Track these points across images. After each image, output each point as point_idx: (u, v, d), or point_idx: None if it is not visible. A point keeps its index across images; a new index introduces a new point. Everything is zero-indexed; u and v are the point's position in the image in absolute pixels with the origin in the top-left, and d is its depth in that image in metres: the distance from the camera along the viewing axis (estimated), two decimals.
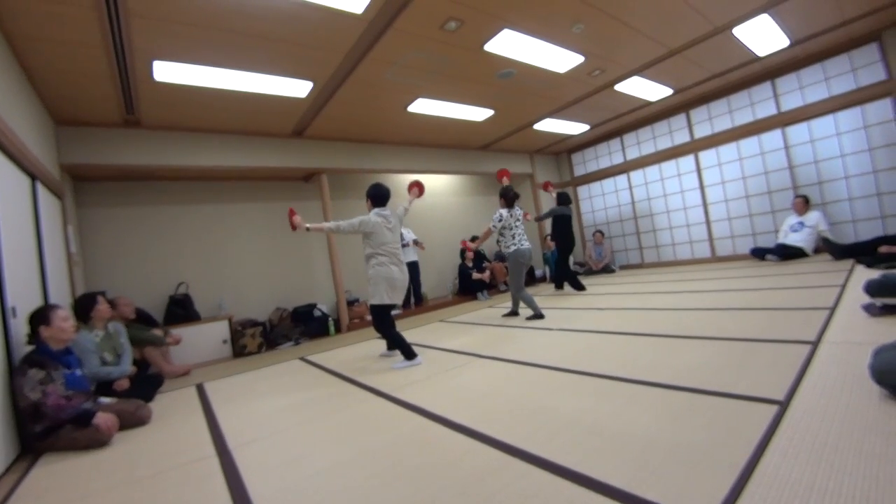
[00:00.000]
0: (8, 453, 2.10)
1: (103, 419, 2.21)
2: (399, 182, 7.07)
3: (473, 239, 7.25)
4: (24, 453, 2.24)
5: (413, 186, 3.66)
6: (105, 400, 2.57)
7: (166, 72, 3.39)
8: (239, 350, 4.65)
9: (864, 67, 5.03)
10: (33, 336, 2.33)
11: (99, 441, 2.19)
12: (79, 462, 2.05)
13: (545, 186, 6.05)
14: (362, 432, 1.91)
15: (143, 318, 4.10)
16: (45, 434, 2.16)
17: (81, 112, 3.83)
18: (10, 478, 1.96)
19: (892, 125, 4.89)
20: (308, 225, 3.09)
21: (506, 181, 4.75)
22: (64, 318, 2.41)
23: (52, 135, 3.77)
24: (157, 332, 3.95)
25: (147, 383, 3.20)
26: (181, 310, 4.61)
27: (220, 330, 4.68)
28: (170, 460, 1.91)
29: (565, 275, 5.79)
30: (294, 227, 3.09)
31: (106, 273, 4.49)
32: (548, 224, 7.28)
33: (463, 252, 6.86)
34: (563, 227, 5.77)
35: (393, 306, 3.23)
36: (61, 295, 3.24)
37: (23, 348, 2.35)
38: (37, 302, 2.71)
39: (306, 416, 2.24)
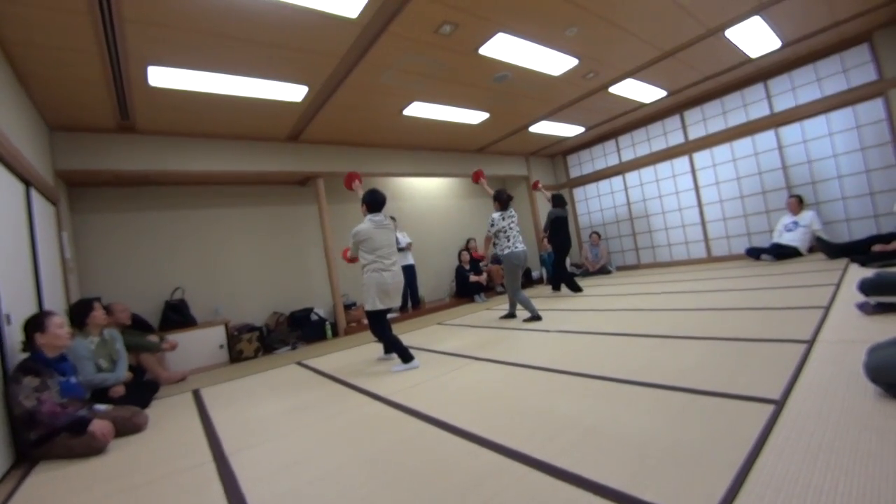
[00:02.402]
0: (3, 462, 2.08)
1: (99, 426, 2.20)
2: (395, 186, 7.10)
3: (469, 242, 7.29)
4: (19, 462, 2.22)
5: (353, 178, 3.69)
6: (101, 407, 2.55)
7: (161, 77, 3.39)
8: (235, 355, 4.64)
9: (856, 68, 5.08)
10: (28, 343, 2.31)
11: (95, 448, 2.17)
12: (75, 470, 2.03)
13: (534, 186, 6.17)
14: (360, 437, 1.91)
15: (138, 324, 4.08)
16: (40, 442, 2.15)
17: (76, 118, 3.82)
18: (5, 487, 1.95)
19: (883, 125, 4.93)
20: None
21: (483, 181, 5.03)
22: (59, 325, 2.39)
23: (46, 141, 3.76)
24: (153, 337, 3.93)
25: (143, 389, 3.18)
26: (177, 315, 4.58)
27: (217, 335, 4.65)
28: (166, 467, 1.90)
29: (562, 276, 5.80)
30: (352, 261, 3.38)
31: (101, 279, 4.47)
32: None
33: (461, 252, 6.87)
34: (559, 228, 5.78)
35: (387, 311, 3.25)
36: (56, 301, 3.22)
37: (17, 356, 2.33)
38: (31, 309, 2.69)
39: (304, 421, 2.24)
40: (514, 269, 4.28)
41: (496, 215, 4.34)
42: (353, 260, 3.31)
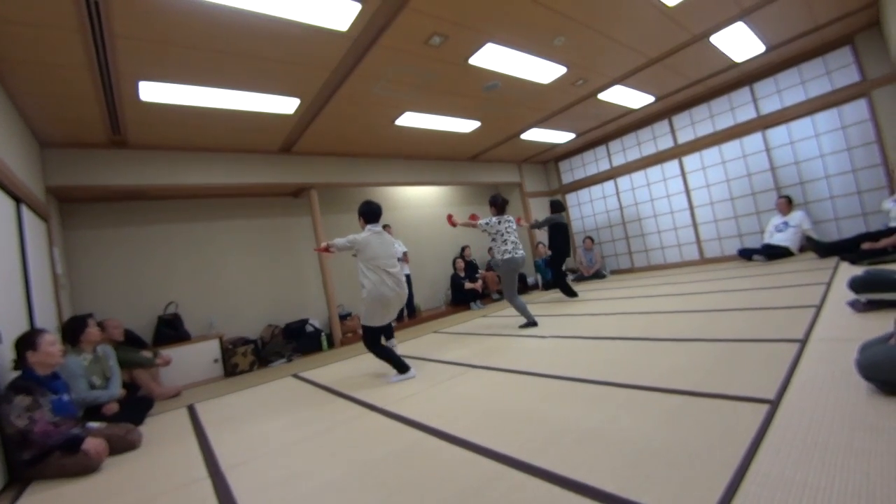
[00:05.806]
0: None
1: (92, 445, 2.17)
2: (390, 195, 7.11)
3: (464, 249, 7.30)
4: (12, 482, 2.18)
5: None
6: (94, 425, 2.52)
7: (152, 92, 3.39)
8: (230, 369, 4.59)
9: (839, 70, 5.17)
10: (20, 361, 2.28)
11: (88, 467, 2.14)
12: (69, 489, 2.00)
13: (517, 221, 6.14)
14: (358, 448, 1.89)
15: (131, 340, 4.03)
16: (33, 462, 2.11)
17: (67, 134, 3.81)
18: None
19: (868, 125, 5.02)
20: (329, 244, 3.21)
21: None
22: (51, 343, 2.36)
23: (37, 157, 3.74)
24: (147, 353, 3.88)
25: (137, 406, 3.14)
26: (171, 330, 4.54)
27: (211, 349, 4.61)
28: (161, 484, 1.88)
29: (557, 282, 5.80)
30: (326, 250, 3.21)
31: (93, 295, 4.43)
32: (539, 231, 7.31)
33: (455, 260, 6.88)
34: (558, 234, 5.77)
35: (383, 326, 3.22)
36: (48, 318, 3.18)
37: (8, 374, 2.30)
38: (23, 326, 2.66)
39: (300, 434, 2.22)
40: (512, 275, 4.26)
41: (493, 219, 4.34)
42: (326, 249, 3.18)
